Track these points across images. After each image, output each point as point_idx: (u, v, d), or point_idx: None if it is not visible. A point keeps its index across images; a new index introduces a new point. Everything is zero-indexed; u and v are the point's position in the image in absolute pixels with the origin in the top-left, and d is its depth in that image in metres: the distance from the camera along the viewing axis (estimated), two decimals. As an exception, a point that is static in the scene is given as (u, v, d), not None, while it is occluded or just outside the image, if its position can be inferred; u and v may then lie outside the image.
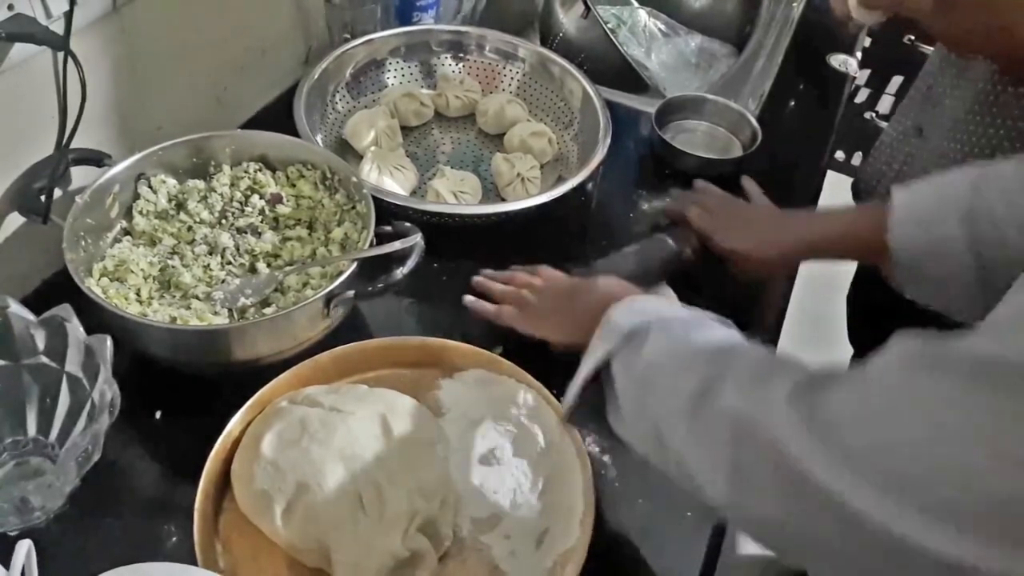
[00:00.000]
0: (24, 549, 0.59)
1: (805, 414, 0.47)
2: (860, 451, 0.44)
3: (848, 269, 1.16)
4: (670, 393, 0.58)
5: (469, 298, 0.87)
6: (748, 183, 0.99)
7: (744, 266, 0.90)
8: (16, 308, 0.72)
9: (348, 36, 1.16)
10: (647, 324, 0.64)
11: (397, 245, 0.81)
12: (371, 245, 0.82)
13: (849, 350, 1.38)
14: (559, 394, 0.78)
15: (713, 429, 0.53)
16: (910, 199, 0.76)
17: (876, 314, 1.20)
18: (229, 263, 0.87)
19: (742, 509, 0.53)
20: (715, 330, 0.63)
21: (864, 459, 0.43)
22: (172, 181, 0.90)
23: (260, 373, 0.76)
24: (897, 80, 2.46)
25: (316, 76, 1.07)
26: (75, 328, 0.71)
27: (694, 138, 1.19)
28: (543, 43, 1.32)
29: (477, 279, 0.89)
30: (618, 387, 0.64)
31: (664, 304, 0.71)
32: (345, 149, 1.09)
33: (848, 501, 0.43)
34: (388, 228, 0.84)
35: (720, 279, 0.92)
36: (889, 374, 0.45)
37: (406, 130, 1.14)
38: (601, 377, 0.67)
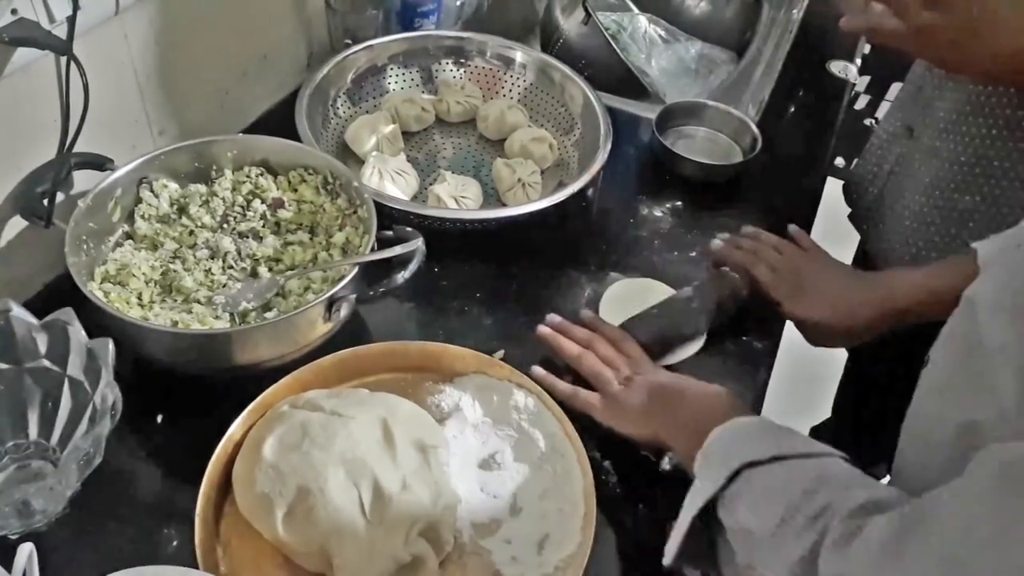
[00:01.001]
0: (26, 552, 0.59)
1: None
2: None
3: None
4: (773, 563, 0.55)
5: (539, 371, 0.80)
6: (798, 233, 0.93)
7: (819, 335, 0.85)
8: (18, 311, 0.72)
9: (349, 42, 1.16)
10: (747, 468, 0.61)
11: (398, 250, 0.82)
12: (372, 250, 0.83)
13: (843, 352, 1.39)
14: (559, 400, 0.78)
15: None
16: (996, 250, 0.70)
17: None
18: (231, 267, 0.87)
19: None
20: (807, 467, 0.60)
21: None
22: (174, 185, 0.90)
23: (261, 377, 0.76)
24: (897, 87, 2.46)
25: (318, 81, 1.08)
26: (77, 332, 0.72)
27: (694, 144, 1.19)
28: (544, 49, 1.32)
29: (547, 333, 0.82)
30: (729, 537, 0.60)
31: (762, 431, 0.65)
32: (346, 154, 1.10)
33: None
34: (389, 233, 0.84)
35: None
36: (981, 500, 0.44)
37: (407, 135, 1.14)
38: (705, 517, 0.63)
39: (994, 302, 0.46)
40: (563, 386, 0.79)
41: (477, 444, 0.76)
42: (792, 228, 0.95)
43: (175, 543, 0.70)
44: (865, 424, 1.43)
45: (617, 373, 0.78)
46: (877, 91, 2.53)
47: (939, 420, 0.53)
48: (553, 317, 0.85)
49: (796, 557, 0.53)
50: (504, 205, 1.04)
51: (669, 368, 0.85)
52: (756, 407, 0.87)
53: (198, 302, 0.83)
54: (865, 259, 1.13)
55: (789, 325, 0.92)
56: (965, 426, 0.48)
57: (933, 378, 0.56)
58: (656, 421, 0.73)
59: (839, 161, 2.45)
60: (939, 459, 0.51)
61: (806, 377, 1.64)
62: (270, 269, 0.87)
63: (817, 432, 1.63)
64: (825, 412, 1.58)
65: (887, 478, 0.60)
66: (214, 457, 0.70)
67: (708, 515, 0.62)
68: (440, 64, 1.20)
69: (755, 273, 0.88)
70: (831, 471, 0.58)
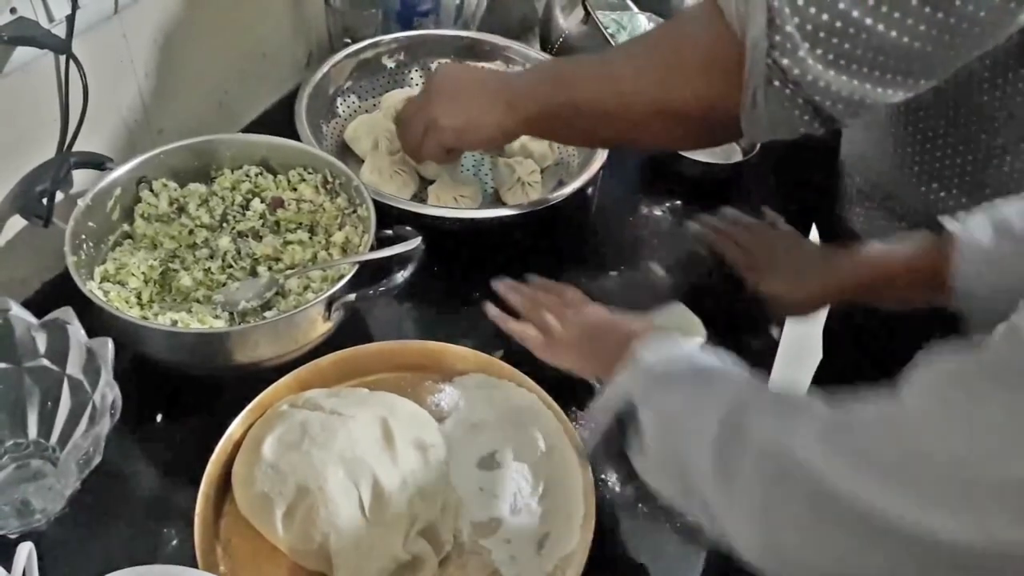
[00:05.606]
0: (25, 551, 0.59)
1: (839, 446, 0.46)
2: (900, 467, 0.43)
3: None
4: (696, 439, 0.56)
5: (493, 310, 0.83)
6: (773, 216, 0.96)
7: (780, 308, 0.88)
8: (17, 311, 0.72)
9: (349, 40, 1.16)
10: (672, 365, 0.63)
11: (398, 249, 0.82)
12: (372, 249, 0.83)
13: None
14: (559, 399, 0.78)
15: (741, 474, 0.51)
16: (968, 235, 0.73)
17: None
18: (230, 267, 0.87)
19: (777, 560, 0.50)
20: (735, 374, 0.62)
21: (906, 473, 0.43)
22: (173, 184, 0.90)
23: (261, 376, 0.76)
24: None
25: (317, 80, 1.08)
26: (76, 331, 0.71)
27: (694, 143, 1.19)
28: (543, 48, 1.32)
29: (500, 287, 0.86)
30: (644, 428, 0.61)
31: (686, 344, 0.68)
32: (346, 153, 1.09)
33: (894, 519, 0.42)
34: (389, 232, 0.84)
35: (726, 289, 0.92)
36: (922, 393, 0.45)
37: (407, 134, 1.14)
38: (623, 416, 0.64)
39: None
40: (513, 324, 0.82)
41: (476, 443, 0.76)
42: (766, 211, 0.98)
43: (174, 542, 0.70)
44: None
45: (560, 316, 0.80)
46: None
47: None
48: (506, 280, 0.87)
49: (717, 432, 0.54)
50: (504, 204, 1.04)
51: None
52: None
53: (197, 301, 0.83)
54: None
55: (788, 326, 0.92)
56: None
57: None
58: (586, 353, 0.75)
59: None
60: None
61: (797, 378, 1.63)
62: (269, 268, 0.87)
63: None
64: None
65: None
66: (213, 456, 0.70)
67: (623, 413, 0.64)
68: (439, 63, 1.20)
69: (724, 251, 0.93)
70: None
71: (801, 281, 0.86)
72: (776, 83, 0.61)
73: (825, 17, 0.58)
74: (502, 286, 0.86)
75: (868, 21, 0.57)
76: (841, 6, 0.57)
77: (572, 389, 0.84)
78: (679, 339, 0.69)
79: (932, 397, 0.45)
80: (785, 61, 0.60)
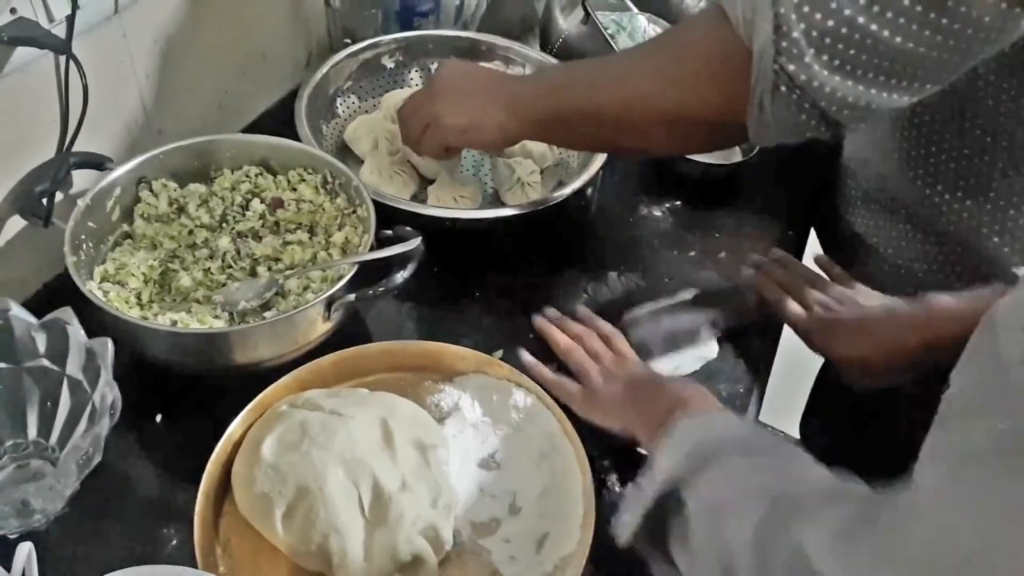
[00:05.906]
0: (25, 552, 0.59)
1: (852, 553, 0.46)
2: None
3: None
4: (736, 538, 0.54)
5: (528, 358, 0.81)
6: (827, 264, 0.90)
7: (861, 373, 0.79)
8: (17, 311, 0.72)
9: (348, 41, 1.16)
10: (714, 447, 0.61)
11: (397, 249, 0.82)
12: (371, 249, 0.83)
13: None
14: (558, 399, 0.78)
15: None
16: None
17: None
18: (229, 267, 0.87)
19: None
20: (776, 460, 0.60)
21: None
22: (173, 185, 0.90)
23: (260, 377, 0.76)
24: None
25: (317, 80, 1.08)
26: (76, 331, 0.72)
27: (694, 143, 1.19)
28: (543, 48, 1.32)
29: (542, 325, 0.83)
30: (691, 516, 0.59)
31: (728, 421, 0.67)
32: (346, 153, 1.09)
33: None
34: (388, 232, 0.84)
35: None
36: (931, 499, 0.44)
37: (406, 134, 1.14)
38: (665, 499, 0.61)
39: (1010, 322, 0.45)
40: (549, 374, 0.80)
41: (476, 443, 0.76)
42: (820, 258, 0.93)
43: (174, 542, 0.70)
44: (834, 442, 1.38)
45: (602, 368, 0.79)
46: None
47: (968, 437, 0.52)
48: (552, 312, 0.86)
49: (752, 536, 0.52)
50: (503, 204, 1.04)
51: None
52: (751, 408, 0.87)
53: (197, 301, 0.83)
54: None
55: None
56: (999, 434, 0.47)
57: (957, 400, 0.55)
58: (629, 414, 0.73)
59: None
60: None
61: (796, 379, 1.63)
62: (269, 268, 0.87)
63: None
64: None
65: None
66: (213, 456, 0.70)
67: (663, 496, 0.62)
68: (439, 63, 1.20)
69: (786, 312, 0.85)
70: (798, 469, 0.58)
71: (875, 345, 0.78)
72: (783, 89, 0.61)
73: (831, 23, 0.58)
74: (543, 324, 0.83)
75: (873, 27, 0.57)
76: (847, 12, 0.57)
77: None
78: (721, 413, 0.68)
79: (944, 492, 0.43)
80: (792, 67, 0.60)
